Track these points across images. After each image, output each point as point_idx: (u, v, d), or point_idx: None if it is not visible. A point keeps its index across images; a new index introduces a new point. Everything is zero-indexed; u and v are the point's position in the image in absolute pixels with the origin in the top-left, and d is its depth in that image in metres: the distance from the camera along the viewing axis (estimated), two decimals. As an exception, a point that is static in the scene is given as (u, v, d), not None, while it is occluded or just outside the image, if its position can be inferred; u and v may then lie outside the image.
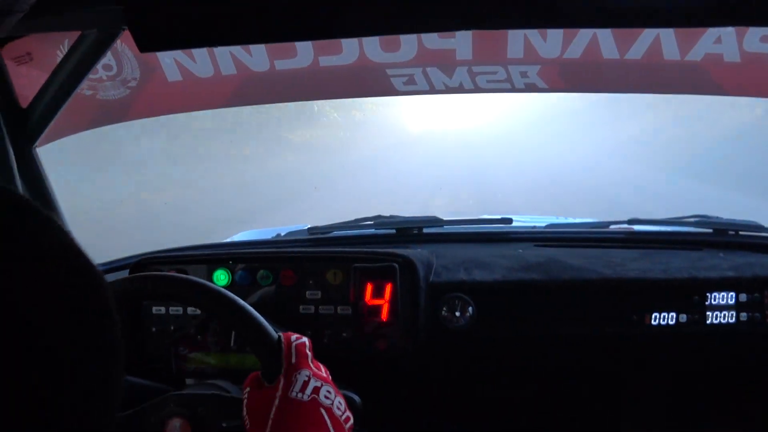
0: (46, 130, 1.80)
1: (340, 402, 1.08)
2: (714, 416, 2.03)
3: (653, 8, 1.24)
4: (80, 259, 0.56)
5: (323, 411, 1.04)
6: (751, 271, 1.90)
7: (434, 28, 1.60)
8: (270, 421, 1.02)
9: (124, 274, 1.95)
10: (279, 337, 1.13)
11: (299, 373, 1.07)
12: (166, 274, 1.26)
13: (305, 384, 1.05)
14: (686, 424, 2.05)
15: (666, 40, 1.96)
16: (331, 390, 1.08)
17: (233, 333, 1.78)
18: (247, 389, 1.12)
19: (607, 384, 2.02)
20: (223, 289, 1.20)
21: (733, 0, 1.17)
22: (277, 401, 1.04)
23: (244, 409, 1.09)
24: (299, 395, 1.04)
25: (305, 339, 1.14)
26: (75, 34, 1.65)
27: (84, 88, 1.93)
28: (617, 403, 2.04)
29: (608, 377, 2.01)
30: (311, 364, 1.10)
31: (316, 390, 1.05)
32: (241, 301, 1.19)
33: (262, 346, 1.14)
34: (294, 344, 1.11)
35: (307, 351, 1.11)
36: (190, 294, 1.23)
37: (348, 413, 1.10)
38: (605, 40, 1.97)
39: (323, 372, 1.12)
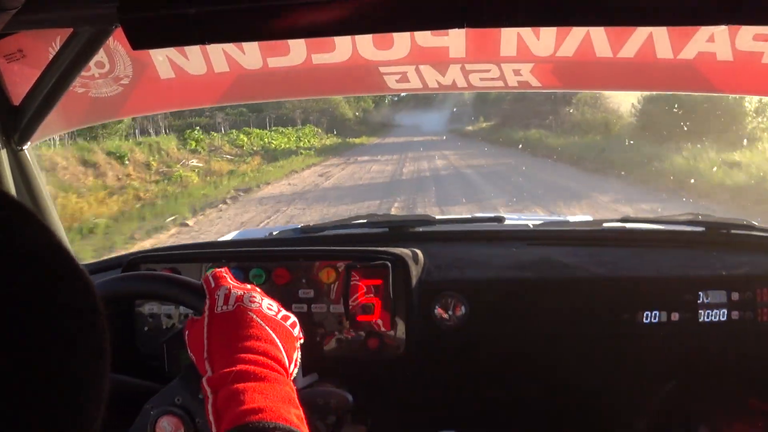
0: (38, 128, 1.79)
1: (270, 303, 1.10)
2: (708, 413, 2.04)
3: (647, 6, 1.24)
4: (66, 261, 0.56)
5: (252, 314, 1.05)
6: (743, 270, 1.91)
7: (427, 26, 1.60)
8: (205, 341, 1.04)
9: (117, 272, 1.94)
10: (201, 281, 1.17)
11: (219, 290, 1.09)
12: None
13: (227, 297, 1.08)
14: (680, 420, 2.05)
15: (659, 39, 1.96)
16: (256, 295, 1.10)
17: None
18: (186, 332, 1.13)
19: (601, 382, 2.02)
20: (149, 271, 1.21)
21: None
22: (206, 320, 1.06)
23: (187, 348, 1.11)
24: (224, 308, 1.06)
25: (223, 269, 1.16)
26: (67, 31, 1.64)
27: (76, 86, 1.91)
28: (611, 400, 2.04)
29: (601, 375, 2.01)
30: (231, 282, 1.12)
31: (239, 298, 1.08)
32: (161, 273, 1.23)
33: (188, 294, 1.15)
34: (209, 274, 1.14)
35: (225, 274, 1.14)
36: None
37: (287, 313, 1.11)
38: (598, 38, 1.97)
39: (248, 285, 1.14)
